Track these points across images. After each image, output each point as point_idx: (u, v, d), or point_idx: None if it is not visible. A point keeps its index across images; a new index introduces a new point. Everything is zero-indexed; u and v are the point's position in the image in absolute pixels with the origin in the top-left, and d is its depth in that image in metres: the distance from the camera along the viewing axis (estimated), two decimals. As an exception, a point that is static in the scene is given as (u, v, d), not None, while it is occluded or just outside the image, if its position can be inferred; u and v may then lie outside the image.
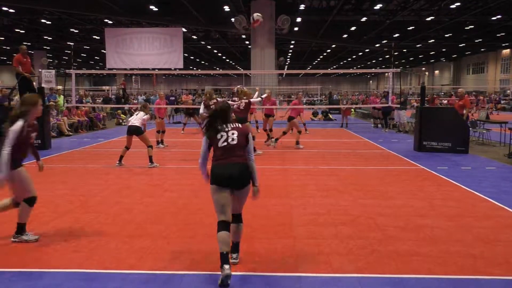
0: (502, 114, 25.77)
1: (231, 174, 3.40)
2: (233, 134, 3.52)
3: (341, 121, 17.97)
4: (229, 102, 7.17)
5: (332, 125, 18.89)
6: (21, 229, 4.17)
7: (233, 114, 7.95)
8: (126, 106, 19.93)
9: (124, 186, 6.64)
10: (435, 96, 18.38)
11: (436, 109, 11.56)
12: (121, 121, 18.75)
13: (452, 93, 30.38)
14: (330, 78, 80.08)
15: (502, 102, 31.33)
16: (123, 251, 3.90)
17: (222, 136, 3.51)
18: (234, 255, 3.65)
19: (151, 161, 8.19)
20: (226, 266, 3.19)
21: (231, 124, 3.59)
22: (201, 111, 9.73)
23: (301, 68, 62.63)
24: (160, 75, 56.91)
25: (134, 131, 8.10)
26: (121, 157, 8.34)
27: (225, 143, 3.48)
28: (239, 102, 8.87)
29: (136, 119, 8.19)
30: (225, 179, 3.41)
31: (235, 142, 3.49)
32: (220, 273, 3.25)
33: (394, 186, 6.63)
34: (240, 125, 3.64)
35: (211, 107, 8.92)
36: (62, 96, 15.64)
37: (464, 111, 10.79)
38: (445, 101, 28.56)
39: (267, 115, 11.45)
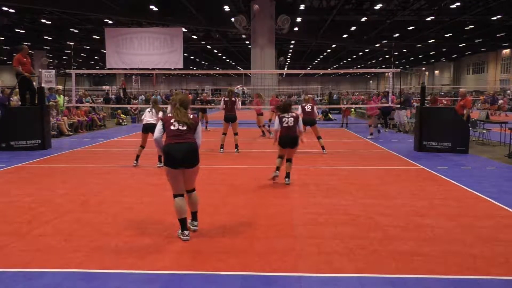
0: (502, 114, 25.75)
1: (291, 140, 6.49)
2: (290, 118, 6.50)
3: (341, 121, 17.97)
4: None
5: (332, 125, 18.89)
6: None
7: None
8: (128, 106, 19.95)
9: (124, 185, 6.64)
10: (436, 96, 18.32)
11: (436, 109, 11.55)
12: (121, 121, 18.75)
13: (453, 93, 30.37)
14: (330, 78, 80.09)
15: (499, 102, 31.28)
16: (123, 251, 3.90)
17: (286, 119, 6.48)
18: None
19: (160, 160, 7.97)
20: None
21: (290, 113, 6.59)
22: (220, 106, 10.26)
23: (301, 68, 62.68)
24: (160, 75, 56.87)
25: (151, 129, 7.55)
26: (138, 156, 8.22)
27: (286, 124, 6.45)
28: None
29: (151, 116, 8.02)
30: (287, 143, 6.50)
31: (291, 124, 6.48)
32: (219, 272, 3.25)
33: (394, 186, 6.63)
34: (294, 113, 6.66)
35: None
36: (62, 96, 15.64)
37: (465, 111, 10.75)
38: (445, 101, 28.57)
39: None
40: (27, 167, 8.13)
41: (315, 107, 10.79)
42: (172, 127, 4.18)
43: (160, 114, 8.03)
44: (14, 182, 6.79)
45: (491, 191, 6.16)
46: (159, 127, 4.31)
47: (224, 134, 10.04)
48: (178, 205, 4.17)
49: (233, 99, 9.96)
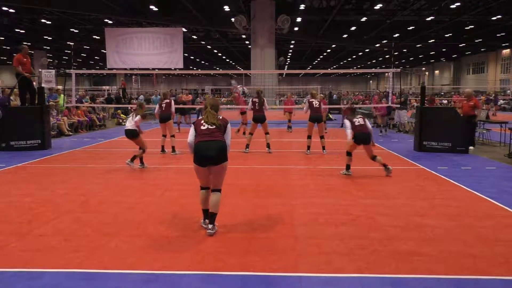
0: (502, 114, 25.74)
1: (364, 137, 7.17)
2: (360, 119, 7.27)
3: (341, 121, 17.95)
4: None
5: (332, 125, 18.88)
6: None
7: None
8: (129, 106, 19.92)
9: (124, 185, 6.63)
10: (433, 97, 18.44)
11: (436, 109, 11.56)
12: (121, 121, 18.76)
13: (453, 92, 30.36)
14: (330, 78, 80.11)
15: (499, 102, 31.29)
16: (123, 251, 3.90)
17: (356, 119, 7.26)
18: None
19: (132, 160, 7.83)
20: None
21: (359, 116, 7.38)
22: (249, 106, 10.26)
23: (301, 68, 62.67)
24: (160, 75, 56.85)
25: (129, 134, 7.80)
26: (134, 157, 7.90)
27: (358, 124, 7.16)
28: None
29: (131, 121, 7.84)
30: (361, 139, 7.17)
31: (363, 122, 7.18)
32: (218, 272, 3.25)
33: (395, 186, 6.63)
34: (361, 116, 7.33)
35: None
36: (62, 96, 15.63)
37: (476, 112, 10.60)
38: (445, 101, 28.58)
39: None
40: (27, 167, 8.13)
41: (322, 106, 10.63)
42: (202, 127, 4.39)
43: (138, 117, 7.76)
44: (14, 182, 6.79)
45: (491, 191, 6.16)
46: (191, 131, 4.50)
47: (251, 134, 10.03)
48: (201, 197, 4.48)
49: (262, 99, 9.91)
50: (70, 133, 14.01)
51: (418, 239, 4.21)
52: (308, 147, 9.91)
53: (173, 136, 9.85)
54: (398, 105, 14.74)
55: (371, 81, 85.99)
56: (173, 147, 9.70)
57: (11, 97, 11.74)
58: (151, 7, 25.84)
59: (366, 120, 7.39)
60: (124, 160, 8.18)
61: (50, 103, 13.72)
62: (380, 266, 3.57)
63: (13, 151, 9.96)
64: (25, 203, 5.48)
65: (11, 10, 26.91)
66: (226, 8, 26.44)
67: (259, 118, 9.84)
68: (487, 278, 3.37)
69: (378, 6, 25.75)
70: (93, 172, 7.71)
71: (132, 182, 6.86)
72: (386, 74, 49.57)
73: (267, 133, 10.00)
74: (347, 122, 7.33)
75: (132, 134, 7.80)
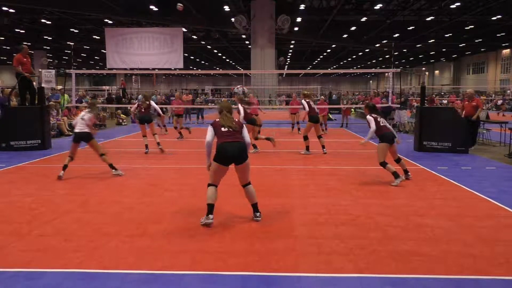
0: (500, 114, 25.74)
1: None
2: (382, 118, 6.82)
3: (341, 121, 17.97)
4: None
5: (332, 125, 18.89)
6: None
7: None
8: (129, 106, 19.91)
9: (124, 185, 6.63)
10: (433, 96, 18.50)
11: (436, 109, 11.55)
12: (121, 121, 18.76)
13: (452, 92, 30.34)
14: (330, 78, 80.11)
15: (499, 102, 31.31)
16: (123, 251, 3.90)
17: (380, 119, 6.80)
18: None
19: (113, 167, 7.28)
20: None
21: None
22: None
23: (301, 68, 62.68)
24: (160, 75, 56.88)
25: (81, 138, 7.08)
26: (65, 166, 7.05)
27: (383, 124, 6.76)
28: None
29: (82, 123, 7.08)
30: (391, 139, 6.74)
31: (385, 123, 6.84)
32: (219, 272, 3.25)
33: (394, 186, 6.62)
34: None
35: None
36: (66, 96, 15.63)
37: (477, 111, 10.53)
38: (445, 101, 28.56)
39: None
40: (27, 167, 8.13)
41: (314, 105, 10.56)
42: (222, 129, 4.72)
43: (90, 116, 7.15)
44: (14, 182, 6.79)
45: (491, 191, 6.16)
46: (209, 132, 4.79)
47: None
48: (210, 192, 4.69)
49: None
50: (70, 133, 14.00)
51: (418, 239, 4.21)
52: (307, 147, 9.93)
53: (155, 134, 10.05)
54: (398, 105, 14.74)
55: (371, 81, 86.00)
56: (158, 143, 9.92)
57: (15, 99, 11.77)
58: (151, 7, 25.86)
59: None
60: (124, 160, 8.20)
61: (51, 103, 13.71)
62: (380, 266, 3.57)
63: (13, 151, 9.96)
64: (25, 203, 5.48)
65: (11, 10, 26.92)
66: (226, 8, 26.46)
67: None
68: (487, 278, 3.37)
69: (378, 6, 25.77)
70: (93, 172, 7.71)
71: (132, 182, 6.86)
72: (386, 74, 49.58)
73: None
74: (373, 121, 6.75)
75: (85, 137, 7.10)
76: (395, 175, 6.56)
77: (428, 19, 28.54)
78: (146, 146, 9.95)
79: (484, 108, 22.75)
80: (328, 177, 7.28)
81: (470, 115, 10.41)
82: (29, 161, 8.75)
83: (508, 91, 39.73)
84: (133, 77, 35.18)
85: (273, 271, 3.48)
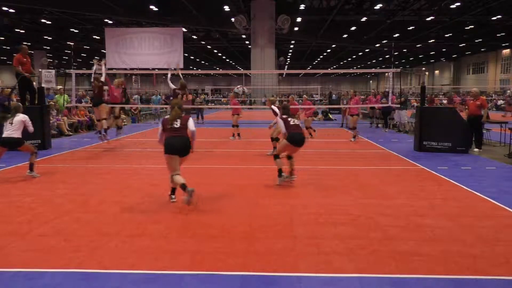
0: (500, 113, 25.72)
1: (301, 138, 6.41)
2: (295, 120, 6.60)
3: (341, 121, 17.96)
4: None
5: (332, 125, 18.89)
6: None
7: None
8: (128, 106, 19.91)
9: (124, 185, 6.63)
10: (433, 96, 18.57)
11: (436, 109, 11.55)
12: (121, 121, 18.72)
13: (453, 92, 30.34)
14: (330, 78, 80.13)
15: (499, 102, 31.31)
16: (123, 251, 3.90)
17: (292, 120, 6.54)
18: None
19: (31, 168, 7.13)
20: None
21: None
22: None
23: (301, 68, 62.70)
24: (160, 75, 56.87)
25: (13, 144, 6.94)
26: (31, 165, 7.07)
27: (293, 123, 6.49)
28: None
29: (14, 129, 6.87)
30: (298, 141, 6.37)
31: (297, 123, 6.58)
32: (218, 272, 3.25)
33: (395, 186, 6.63)
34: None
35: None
36: (66, 96, 15.61)
37: (482, 112, 10.27)
38: (445, 101, 28.55)
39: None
40: (27, 167, 8.12)
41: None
42: (169, 126, 5.31)
43: (25, 118, 6.99)
44: (14, 182, 6.79)
45: (491, 191, 6.16)
46: (160, 128, 5.43)
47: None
48: (177, 178, 5.28)
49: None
50: (70, 133, 14.01)
51: (418, 239, 4.21)
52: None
53: (104, 119, 10.33)
54: (398, 105, 14.74)
55: (371, 81, 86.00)
56: (106, 128, 10.37)
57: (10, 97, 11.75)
58: (151, 7, 25.88)
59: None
60: (125, 160, 8.20)
61: (50, 103, 13.70)
62: (380, 266, 3.57)
63: (13, 151, 9.92)
64: (25, 203, 5.48)
65: (11, 10, 26.92)
66: (226, 8, 26.46)
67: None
68: (487, 278, 3.37)
69: (378, 6, 25.77)
70: (93, 172, 7.71)
71: (132, 182, 6.86)
72: (386, 74, 49.57)
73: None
74: (281, 122, 6.58)
75: (16, 143, 6.97)
76: (279, 172, 6.51)
77: (428, 19, 28.54)
78: (100, 131, 10.29)
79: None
80: (328, 177, 7.28)
81: (474, 114, 10.28)
82: (29, 161, 8.73)
83: (508, 91, 39.73)
84: (133, 77, 35.16)
85: (272, 271, 3.48)
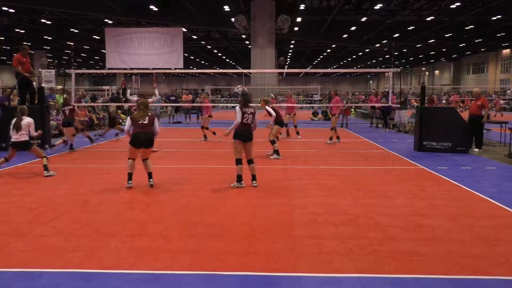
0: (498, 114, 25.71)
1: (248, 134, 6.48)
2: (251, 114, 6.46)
3: (341, 121, 17.95)
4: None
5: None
6: None
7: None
8: (128, 106, 19.89)
9: (124, 185, 6.62)
10: (433, 96, 18.62)
11: (436, 109, 11.54)
12: (121, 121, 18.72)
13: (453, 92, 30.31)
14: (330, 78, 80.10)
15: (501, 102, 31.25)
16: (123, 251, 3.90)
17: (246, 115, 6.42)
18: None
19: (46, 169, 7.23)
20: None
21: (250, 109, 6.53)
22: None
23: (301, 68, 62.66)
24: (160, 75, 56.84)
25: (22, 146, 7.23)
26: (45, 166, 7.24)
27: (246, 121, 6.41)
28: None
29: (22, 133, 7.16)
30: (244, 137, 6.39)
31: (250, 121, 6.47)
32: (218, 272, 3.26)
33: (395, 186, 6.63)
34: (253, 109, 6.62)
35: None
36: (65, 96, 15.56)
37: (483, 112, 10.21)
38: (445, 101, 28.56)
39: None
40: (27, 167, 8.12)
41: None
42: (138, 122, 6.28)
43: (30, 120, 7.27)
44: (14, 182, 6.79)
45: (491, 191, 6.16)
46: (128, 122, 6.39)
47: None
48: (130, 164, 6.40)
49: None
50: (70, 133, 13.97)
51: (418, 239, 4.21)
52: (277, 152, 9.12)
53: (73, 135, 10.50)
54: (398, 105, 14.74)
55: (371, 81, 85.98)
56: (71, 145, 10.42)
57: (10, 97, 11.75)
58: (151, 7, 25.86)
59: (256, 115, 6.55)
60: (124, 160, 8.16)
61: (50, 103, 13.69)
62: (379, 266, 3.57)
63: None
64: (25, 203, 5.49)
65: (11, 10, 26.91)
66: (226, 8, 26.45)
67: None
68: (487, 278, 3.37)
69: (378, 6, 25.75)
70: (93, 172, 7.71)
71: (132, 182, 6.84)
72: (386, 74, 49.57)
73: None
74: (238, 112, 6.39)
75: (26, 146, 7.25)
76: (238, 178, 6.40)
77: (428, 19, 28.53)
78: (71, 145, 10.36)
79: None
80: (328, 177, 7.28)
81: (475, 114, 10.25)
82: (29, 161, 8.74)
83: (508, 91, 39.70)
84: (133, 77, 35.16)
85: (273, 271, 3.48)
